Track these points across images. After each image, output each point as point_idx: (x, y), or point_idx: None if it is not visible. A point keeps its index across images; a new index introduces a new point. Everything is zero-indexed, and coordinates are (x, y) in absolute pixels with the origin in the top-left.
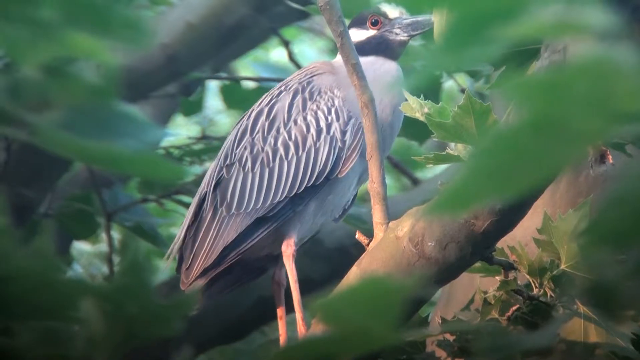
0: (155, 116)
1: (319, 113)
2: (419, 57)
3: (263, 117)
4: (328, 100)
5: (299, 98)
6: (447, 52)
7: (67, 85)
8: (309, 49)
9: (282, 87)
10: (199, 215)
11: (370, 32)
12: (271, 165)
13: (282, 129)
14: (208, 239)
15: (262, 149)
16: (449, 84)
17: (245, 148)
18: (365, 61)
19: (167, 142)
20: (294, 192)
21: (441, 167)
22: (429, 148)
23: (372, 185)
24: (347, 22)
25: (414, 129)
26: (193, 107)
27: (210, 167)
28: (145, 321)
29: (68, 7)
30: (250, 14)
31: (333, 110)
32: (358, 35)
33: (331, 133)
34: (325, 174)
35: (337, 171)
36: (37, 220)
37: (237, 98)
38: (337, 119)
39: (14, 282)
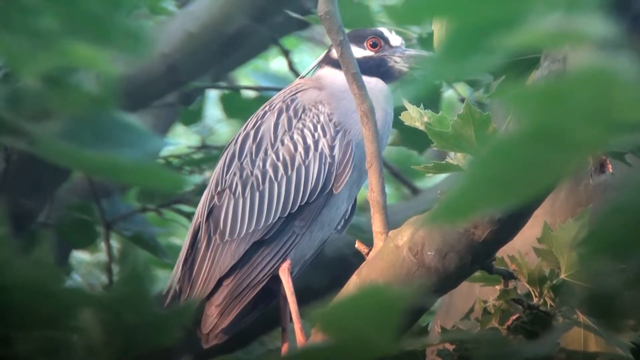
0: (155, 125)
1: (305, 131)
2: (418, 67)
3: (250, 140)
4: (313, 117)
5: (283, 117)
6: (447, 62)
7: (67, 95)
8: (309, 59)
9: (267, 107)
10: (194, 246)
11: (368, 53)
12: (261, 188)
13: (269, 151)
14: (204, 269)
15: (252, 172)
16: (448, 93)
17: (234, 174)
18: None
19: (166, 151)
20: (287, 212)
21: (441, 176)
22: (428, 157)
23: (371, 194)
24: (347, 32)
25: (414, 138)
26: (193, 117)
27: (203, 195)
28: (144, 330)
29: (68, 17)
30: (250, 24)
31: (319, 126)
32: (354, 52)
33: (319, 149)
34: (318, 191)
35: (330, 187)
36: (37, 230)
37: (237, 107)
38: (324, 135)
39: (13, 291)
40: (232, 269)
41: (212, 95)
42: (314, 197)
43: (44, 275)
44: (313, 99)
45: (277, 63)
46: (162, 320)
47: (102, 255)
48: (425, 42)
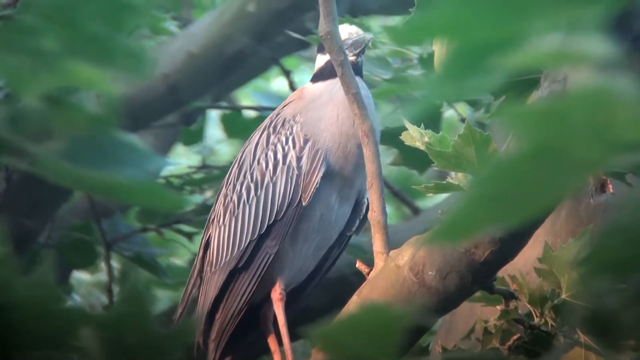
0: (156, 145)
1: (278, 145)
2: (419, 87)
3: (236, 165)
4: (288, 129)
5: (264, 135)
6: (447, 82)
7: (67, 115)
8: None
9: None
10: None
11: (327, 57)
12: (236, 212)
13: (247, 173)
14: (199, 303)
15: (231, 198)
16: (449, 113)
17: (221, 202)
18: (324, 84)
19: (167, 171)
20: (257, 233)
21: (441, 196)
22: (429, 177)
23: (372, 214)
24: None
25: (415, 158)
26: (194, 137)
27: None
28: (145, 351)
29: (69, 37)
30: (251, 44)
31: (290, 138)
32: (320, 61)
33: (287, 162)
34: (286, 206)
35: (298, 199)
36: (37, 250)
37: (238, 127)
38: (294, 147)
39: (14, 311)
40: (218, 301)
41: (213, 116)
42: (282, 213)
43: (44, 295)
44: (293, 110)
45: (278, 83)
46: (163, 340)
47: (102, 276)
48: (425, 62)
